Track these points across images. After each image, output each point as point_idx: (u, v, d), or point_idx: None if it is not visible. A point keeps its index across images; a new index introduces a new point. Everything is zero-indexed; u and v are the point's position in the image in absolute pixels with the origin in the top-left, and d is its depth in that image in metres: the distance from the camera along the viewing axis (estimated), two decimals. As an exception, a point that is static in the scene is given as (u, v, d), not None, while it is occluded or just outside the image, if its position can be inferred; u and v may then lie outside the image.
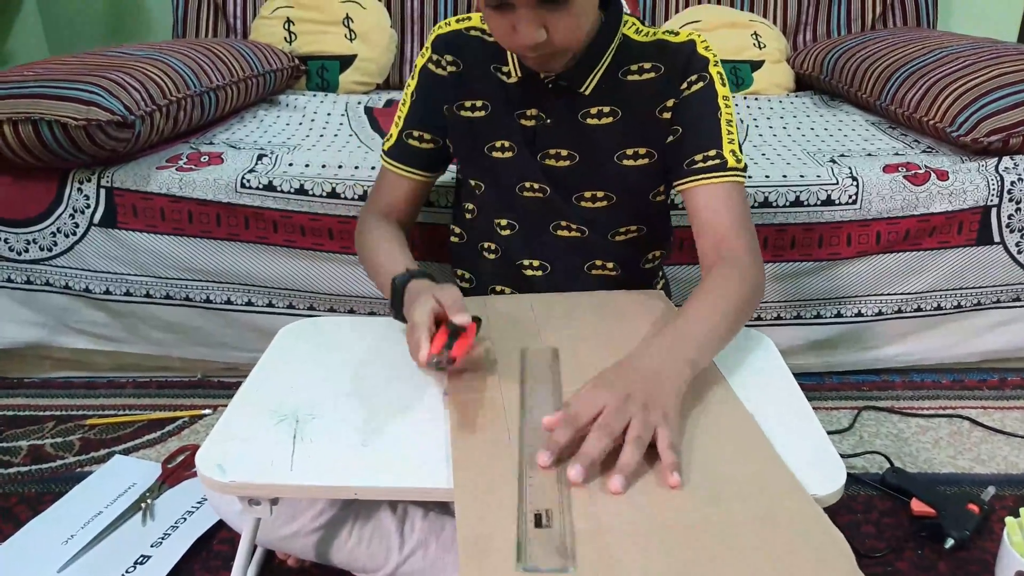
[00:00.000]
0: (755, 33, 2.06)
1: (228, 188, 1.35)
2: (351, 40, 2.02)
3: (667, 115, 0.98)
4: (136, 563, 1.03)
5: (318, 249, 1.37)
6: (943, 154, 1.47)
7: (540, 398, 0.80)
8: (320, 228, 1.36)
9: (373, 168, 1.37)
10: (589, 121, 0.99)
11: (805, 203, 1.34)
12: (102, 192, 1.36)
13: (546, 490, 0.66)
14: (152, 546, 1.06)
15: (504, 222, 1.07)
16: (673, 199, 1.18)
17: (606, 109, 0.98)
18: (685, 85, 0.96)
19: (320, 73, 2.02)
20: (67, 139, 1.27)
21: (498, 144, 1.03)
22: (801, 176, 1.37)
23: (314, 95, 1.94)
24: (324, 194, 1.34)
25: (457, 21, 1.05)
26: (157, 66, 1.46)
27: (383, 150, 1.10)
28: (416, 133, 1.07)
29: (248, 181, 1.35)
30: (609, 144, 1.00)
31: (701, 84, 0.96)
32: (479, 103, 1.03)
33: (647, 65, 0.97)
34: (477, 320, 0.86)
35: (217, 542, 1.07)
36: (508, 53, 0.99)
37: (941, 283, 1.41)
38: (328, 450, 0.76)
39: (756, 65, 2.03)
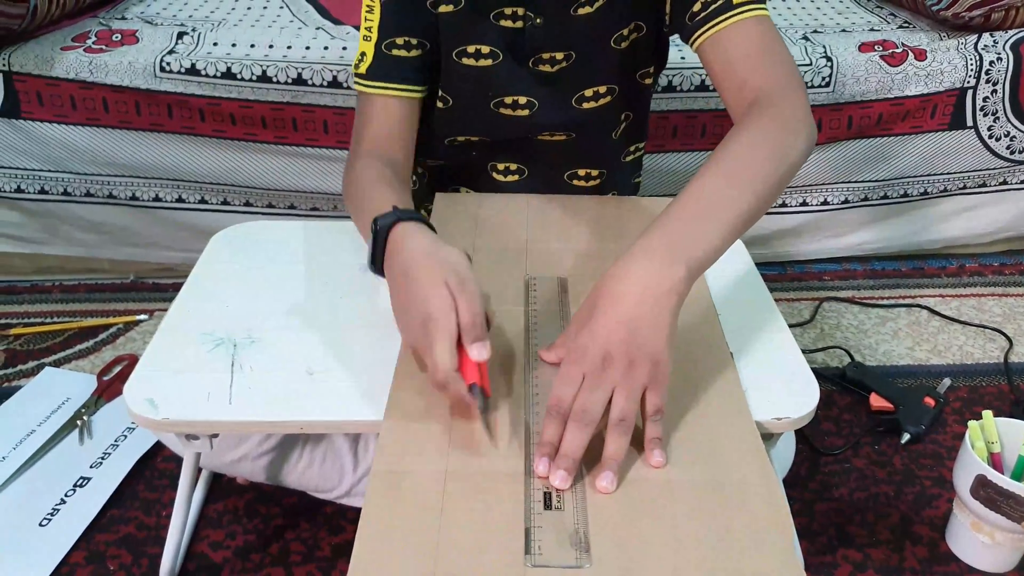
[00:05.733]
0: None
1: (146, 72, 1.21)
2: None
3: None
4: (76, 486, 0.97)
5: (251, 140, 1.26)
6: (921, 30, 1.38)
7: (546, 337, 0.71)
8: (252, 116, 1.23)
9: (308, 48, 1.24)
10: (581, 12, 0.84)
11: (776, 86, 1.26)
12: (-1, 77, 1.21)
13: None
14: (92, 467, 1.00)
15: (476, 140, 0.93)
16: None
17: None
18: None
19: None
20: (-50, 16, 1.11)
21: (470, 49, 0.86)
22: (773, 56, 1.28)
23: (239, -42, 1.74)
24: (254, 78, 1.21)
25: None
26: (51, -75, 1.27)
27: (357, 74, 0.86)
28: (400, 41, 0.85)
29: (168, 64, 1.21)
30: (604, 31, 0.86)
31: None
32: None
33: None
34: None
35: (162, 460, 1.02)
36: None
37: (910, 170, 1.37)
38: (270, 380, 0.69)
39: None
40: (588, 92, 0.90)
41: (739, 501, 0.57)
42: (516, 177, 0.97)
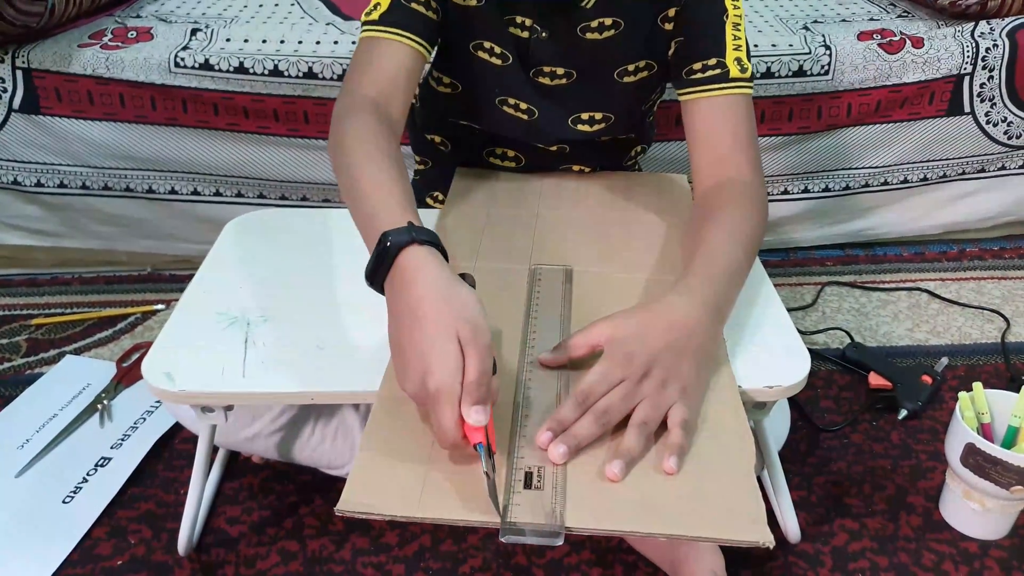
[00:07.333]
0: None
1: (161, 68, 1.25)
2: None
3: (669, 26, 0.87)
4: (97, 465, 1.01)
5: (263, 132, 1.29)
6: (919, 19, 1.41)
7: (546, 328, 0.74)
8: (264, 110, 1.27)
9: (318, 43, 1.27)
10: (589, 36, 0.87)
11: (776, 75, 1.29)
12: (19, 74, 1.25)
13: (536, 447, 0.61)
14: (112, 448, 1.04)
15: (476, 128, 0.98)
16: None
17: (608, 22, 0.86)
18: None
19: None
20: (-28, 15, 1.15)
21: (487, 45, 0.89)
22: (773, 45, 1.30)
23: (250, -42, 1.77)
24: (266, 72, 1.24)
25: None
26: (68, -72, 1.31)
27: (369, 19, 0.83)
28: None
29: (182, 60, 1.24)
30: (610, 60, 0.89)
31: None
32: None
33: None
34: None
35: (179, 441, 1.05)
36: None
37: (909, 156, 1.39)
38: (281, 354, 0.73)
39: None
40: (584, 115, 0.93)
41: (709, 436, 0.63)
42: (513, 164, 1.01)
